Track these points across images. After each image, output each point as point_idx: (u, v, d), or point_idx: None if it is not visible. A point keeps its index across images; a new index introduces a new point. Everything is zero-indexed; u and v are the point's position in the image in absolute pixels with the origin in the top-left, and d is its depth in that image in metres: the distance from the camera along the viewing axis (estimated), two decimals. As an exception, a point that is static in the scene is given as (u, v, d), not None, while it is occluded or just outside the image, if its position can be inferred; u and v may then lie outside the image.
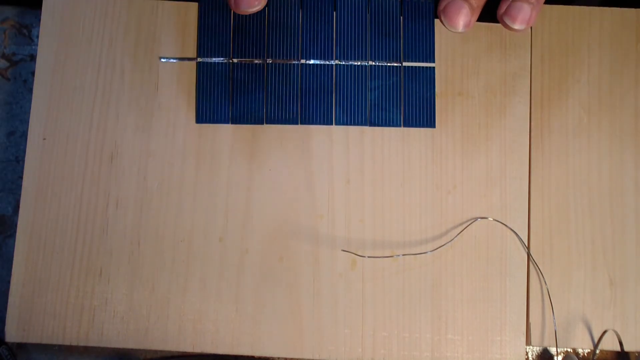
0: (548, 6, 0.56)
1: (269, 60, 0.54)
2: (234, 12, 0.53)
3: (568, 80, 0.55)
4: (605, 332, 0.52)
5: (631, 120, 0.55)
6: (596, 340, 0.52)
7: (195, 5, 0.55)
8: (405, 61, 0.55)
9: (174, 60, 0.54)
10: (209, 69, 0.54)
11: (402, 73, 0.55)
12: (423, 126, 0.54)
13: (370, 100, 0.54)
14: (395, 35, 0.55)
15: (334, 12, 0.55)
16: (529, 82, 0.55)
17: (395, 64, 0.55)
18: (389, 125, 0.54)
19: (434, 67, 0.55)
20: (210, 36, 0.54)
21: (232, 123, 0.54)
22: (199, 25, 0.55)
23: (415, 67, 0.55)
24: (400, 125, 0.54)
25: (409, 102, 0.54)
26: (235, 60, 0.54)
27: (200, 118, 0.54)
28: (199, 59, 0.54)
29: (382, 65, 0.55)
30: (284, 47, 0.54)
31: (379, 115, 0.54)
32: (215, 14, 0.55)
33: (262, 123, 0.54)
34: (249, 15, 0.54)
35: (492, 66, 0.55)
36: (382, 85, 0.54)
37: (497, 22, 0.53)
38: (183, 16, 0.55)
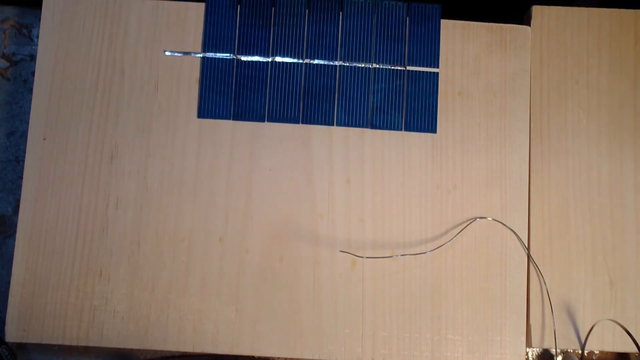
0: (547, 7, 0.56)
1: (274, 59, 0.54)
2: (240, 9, 0.53)
3: (567, 81, 0.56)
4: (603, 331, 0.52)
5: (630, 121, 0.55)
6: (596, 340, 0.52)
7: (194, 4, 0.55)
8: (409, 65, 0.55)
9: (179, 54, 0.54)
10: (213, 64, 0.54)
11: (405, 77, 0.55)
12: (424, 131, 0.54)
13: (373, 102, 0.54)
14: (400, 39, 0.55)
15: (340, 13, 0.55)
16: (528, 83, 0.55)
17: (399, 68, 0.55)
18: (390, 129, 0.54)
19: (437, 73, 0.55)
20: (216, 32, 0.55)
21: (233, 119, 0.54)
22: (205, 21, 0.55)
23: (419, 71, 0.55)
24: (401, 129, 0.54)
25: (411, 106, 0.54)
26: (240, 57, 0.54)
27: (202, 113, 0.54)
28: (204, 54, 0.54)
29: (386, 69, 0.55)
30: (289, 46, 0.55)
31: (380, 118, 0.54)
32: (222, 10, 0.55)
33: (264, 120, 0.54)
34: (255, 13, 0.54)
35: (492, 66, 0.55)
36: (385, 88, 0.54)
37: (497, 22, 0.53)
38: (183, 16, 0.55)
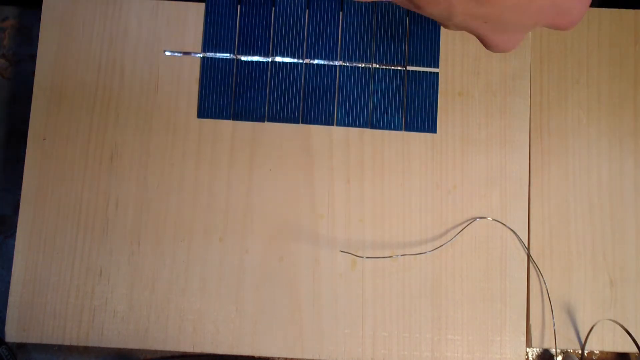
0: (547, 7, 0.56)
1: (274, 59, 0.55)
2: (240, 9, 0.54)
3: (567, 81, 0.56)
4: (604, 330, 0.52)
5: (630, 121, 0.55)
6: (596, 340, 0.52)
7: (194, 4, 0.55)
8: (409, 65, 0.55)
9: (179, 54, 0.54)
10: (213, 64, 0.54)
11: (405, 77, 0.55)
12: (424, 131, 0.54)
13: (373, 102, 0.54)
14: (400, 39, 0.55)
15: (340, 13, 0.55)
16: (528, 83, 0.55)
17: (399, 68, 0.55)
18: (390, 129, 0.54)
19: (437, 73, 0.55)
20: (216, 32, 0.55)
21: (233, 119, 0.54)
22: (205, 21, 0.55)
23: (419, 71, 0.55)
24: (401, 129, 0.54)
25: (411, 106, 0.54)
26: (240, 57, 0.54)
27: (202, 113, 0.54)
28: (204, 54, 0.55)
29: (386, 69, 0.55)
30: (289, 46, 0.55)
31: (380, 118, 0.54)
32: (222, 10, 0.55)
33: (264, 121, 0.54)
34: (255, 13, 0.54)
35: (492, 66, 0.55)
36: (385, 88, 0.54)
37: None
38: (183, 16, 0.55)
